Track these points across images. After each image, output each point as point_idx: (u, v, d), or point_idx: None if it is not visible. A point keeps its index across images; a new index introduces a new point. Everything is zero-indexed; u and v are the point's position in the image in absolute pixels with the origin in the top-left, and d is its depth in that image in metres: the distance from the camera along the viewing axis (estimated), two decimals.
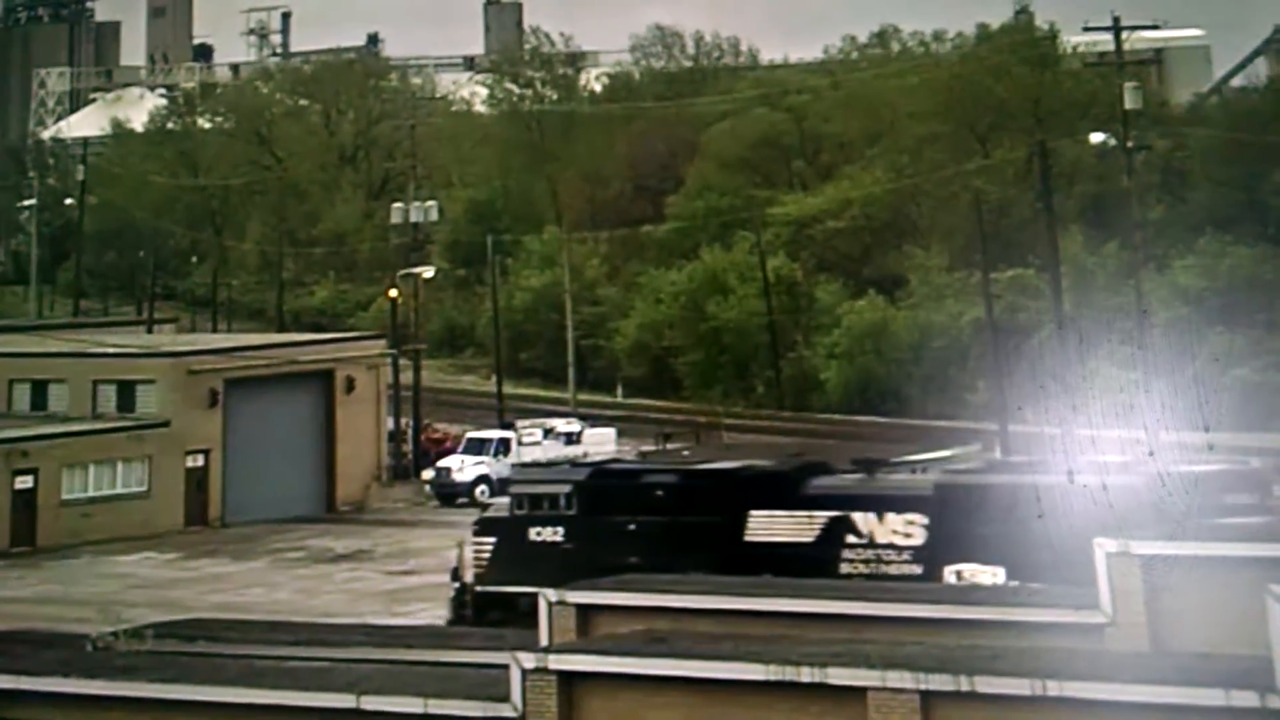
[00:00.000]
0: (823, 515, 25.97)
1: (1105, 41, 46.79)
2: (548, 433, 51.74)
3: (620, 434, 53.23)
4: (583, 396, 64.12)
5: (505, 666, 16.06)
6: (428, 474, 52.86)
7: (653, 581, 20.28)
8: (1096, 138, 48.89)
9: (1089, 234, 58.02)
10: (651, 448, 43.28)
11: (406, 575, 39.05)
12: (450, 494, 50.99)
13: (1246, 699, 13.26)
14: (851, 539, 25.75)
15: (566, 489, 28.12)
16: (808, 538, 26.02)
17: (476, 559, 28.83)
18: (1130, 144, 45.43)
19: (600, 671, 15.92)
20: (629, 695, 15.75)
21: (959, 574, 24.76)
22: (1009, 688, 14.14)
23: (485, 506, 30.37)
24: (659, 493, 27.40)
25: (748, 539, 26.38)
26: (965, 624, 16.90)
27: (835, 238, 67.06)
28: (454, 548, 29.61)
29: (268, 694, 16.94)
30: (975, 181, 55.90)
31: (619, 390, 68.02)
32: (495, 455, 51.13)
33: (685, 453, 32.89)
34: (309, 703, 16.67)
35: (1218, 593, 15.28)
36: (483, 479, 50.77)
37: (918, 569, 24.97)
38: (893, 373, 59.91)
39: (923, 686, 14.33)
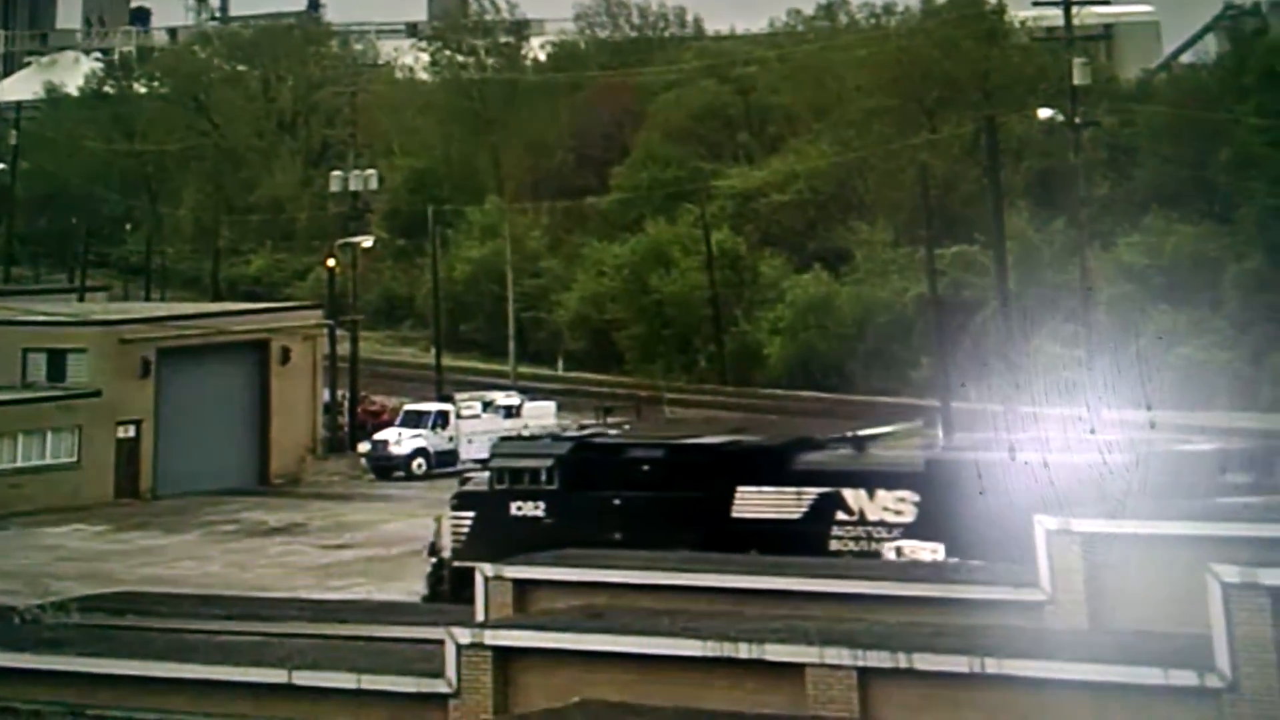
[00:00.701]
0: (812, 491, 25.67)
1: (1054, 16, 46.52)
2: (487, 406, 51.24)
3: (561, 408, 52.82)
4: (523, 369, 63.59)
5: (440, 642, 15.87)
6: (364, 447, 52.28)
7: (591, 556, 19.97)
8: (1044, 113, 48.72)
9: (1035, 210, 57.93)
10: (591, 422, 42.87)
11: (341, 549, 38.73)
12: (387, 467, 50.47)
13: (1185, 677, 13.27)
14: (841, 516, 25.47)
15: (548, 463, 27.65)
16: (796, 514, 25.71)
17: (455, 534, 28.38)
18: (1078, 120, 45.24)
19: (536, 647, 15.77)
20: (566, 671, 15.57)
21: (899, 550, 24.60)
22: (947, 665, 14.11)
23: (465, 480, 29.86)
24: (644, 467, 26.96)
25: (735, 515, 26.01)
26: (905, 601, 16.78)
27: (780, 211, 66.71)
28: (432, 522, 29.18)
29: (198, 669, 16.74)
30: (921, 156, 55.62)
31: (560, 363, 67.52)
32: (433, 428, 50.64)
33: (671, 427, 32.47)
34: (240, 678, 16.50)
35: (1158, 571, 15.16)
36: (420, 452, 50.28)
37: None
38: (836, 348, 59.72)
39: (861, 663, 14.31)
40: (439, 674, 15.69)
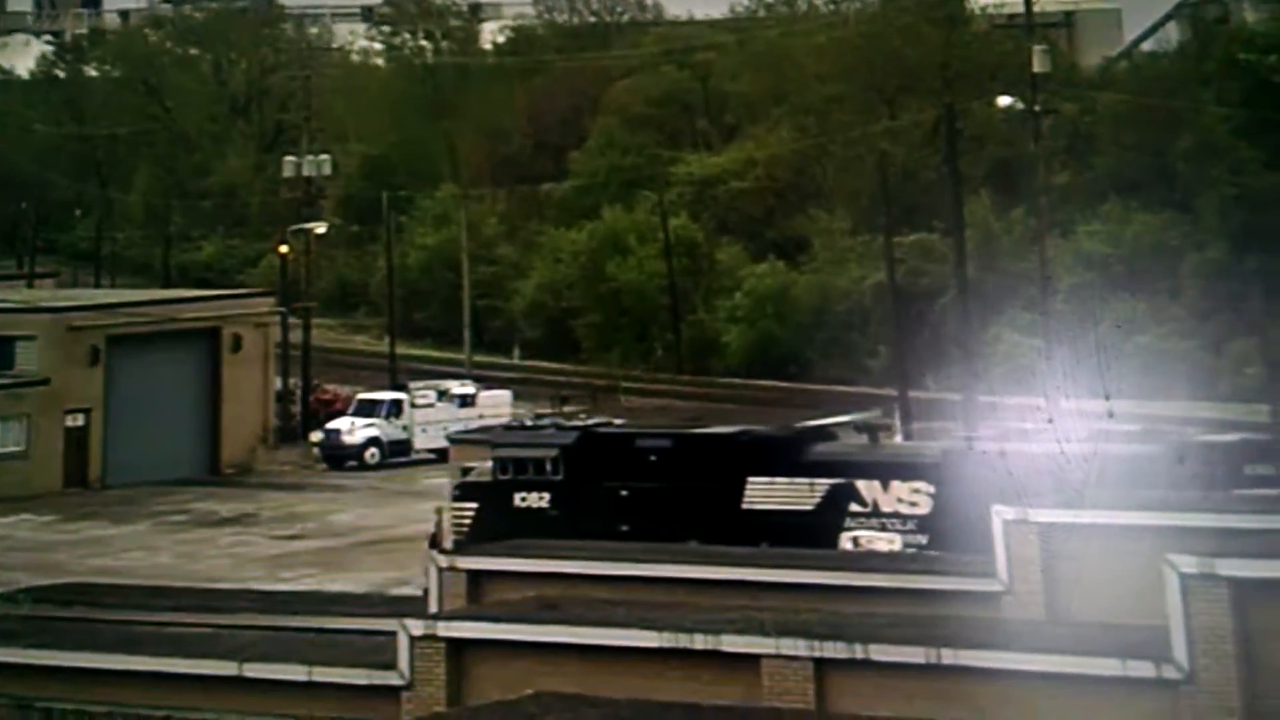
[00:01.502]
0: (825, 482, 25.16)
1: (1015, 3, 46.31)
2: (442, 394, 50.80)
3: (517, 396, 52.40)
4: (478, 358, 63.13)
5: (393, 633, 15.82)
6: (316, 436, 51.78)
7: (546, 547, 19.71)
8: (1004, 101, 48.53)
9: (995, 198, 57.86)
10: (548, 410, 42.44)
11: (292, 540, 38.47)
12: (339, 457, 50.05)
13: (1142, 669, 13.29)
14: (855, 507, 24.96)
15: (553, 452, 27.07)
16: (808, 505, 25.21)
17: (457, 525, 27.72)
18: (1038, 108, 45.10)
19: (490, 638, 15.67)
20: (520, 663, 15.49)
21: (856, 540, 24.28)
22: (903, 656, 14.10)
23: (467, 470, 29.14)
24: (652, 457, 26.41)
25: (745, 506, 25.50)
26: (861, 591, 16.72)
27: (738, 199, 66.45)
28: (434, 513, 28.69)
29: (147, 661, 16.60)
30: (881, 144, 55.39)
31: (516, 352, 67.10)
32: (387, 417, 50.18)
33: (683, 417, 32.07)
34: (190, 670, 16.39)
35: (1116, 561, 15.08)
36: (373, 442, 49.83)
37: (923, 539, 24.20)
38: (793, 337, 59.55)
39: (817, 654, 14.29)
40: (391, 666, 15.65)
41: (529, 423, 29.46)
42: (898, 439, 30.68)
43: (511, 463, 27.34)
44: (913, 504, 24.74)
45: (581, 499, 26.55)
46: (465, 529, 27.49)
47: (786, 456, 25.82)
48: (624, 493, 26.30)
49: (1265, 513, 16.35)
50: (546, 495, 26.88)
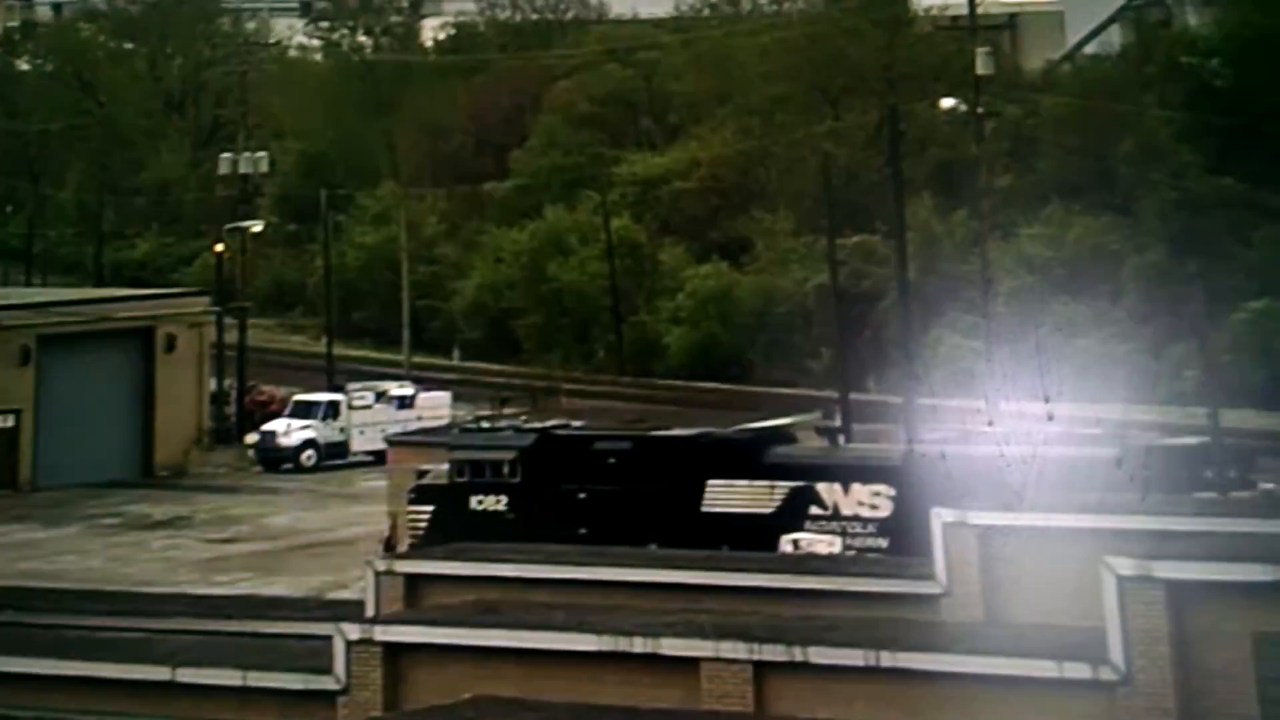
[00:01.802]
0: (785, 485, 25.06)
1: (959, 5, 46.41)
2: (380, 396, 50.36)
3: (457, 398, 52.03)
4: (418, 359, 62.63)
5: (329, 638, 15.77)
6: (251, 438, 51.22)
7: (484, 550, 19.59)
8: (947, 103, 48.66)
9: (938, 200, 58.00)
10: (488, 412, 42.11)
11: (227, 543, 38.20)
12: (275, 459, 49.54)
13: (1078, 670, 13.38)
14: (815, 510, 24.87)
15: (511, 455, 26.87)
16: (768, 509, 25.13)
17: (412, 529, 27.52)
18: (980, 110, 45.24)
19: (428, 642, 15.62)
20: (458, 666, 15.45)
21: (795, 543, 24.22)
22: (842, 658, 14.18)
23: (422, 473, 28.81)
24: (610, 460, 26.28)
25: (705, 509, 25.42)
26: (800, 594, 16.74)
27: (681, 199, 66.27)
28: (387, 516, 28.30)
29: (79, 666, 16.47)
30: (824, 145, 55.39)
31: (455, 353, 66.64)
32: (323, 419, 49.70)
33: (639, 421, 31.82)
34: (122, 675, 16.27)
35: (1054, 564, 15.17)
36: (309, 444, 49.36)
37: (884, 542, 24.00)
38: (736, 338, 59.46)
39: (756, 657, 14.33)
40: (327, 670, 15.60)
41: (485, 424, 29.13)
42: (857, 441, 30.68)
43: (468, 465, 27.11)
44: (873, 507, 24.75)
45: (539, 502, 26.39)
46: (421, 532, 27.22)
47: (746, 459, 25.77)
48: (582, 495, 26.20)
49: (1202, 515, 16.42)
50: (504, 498, 26.72)
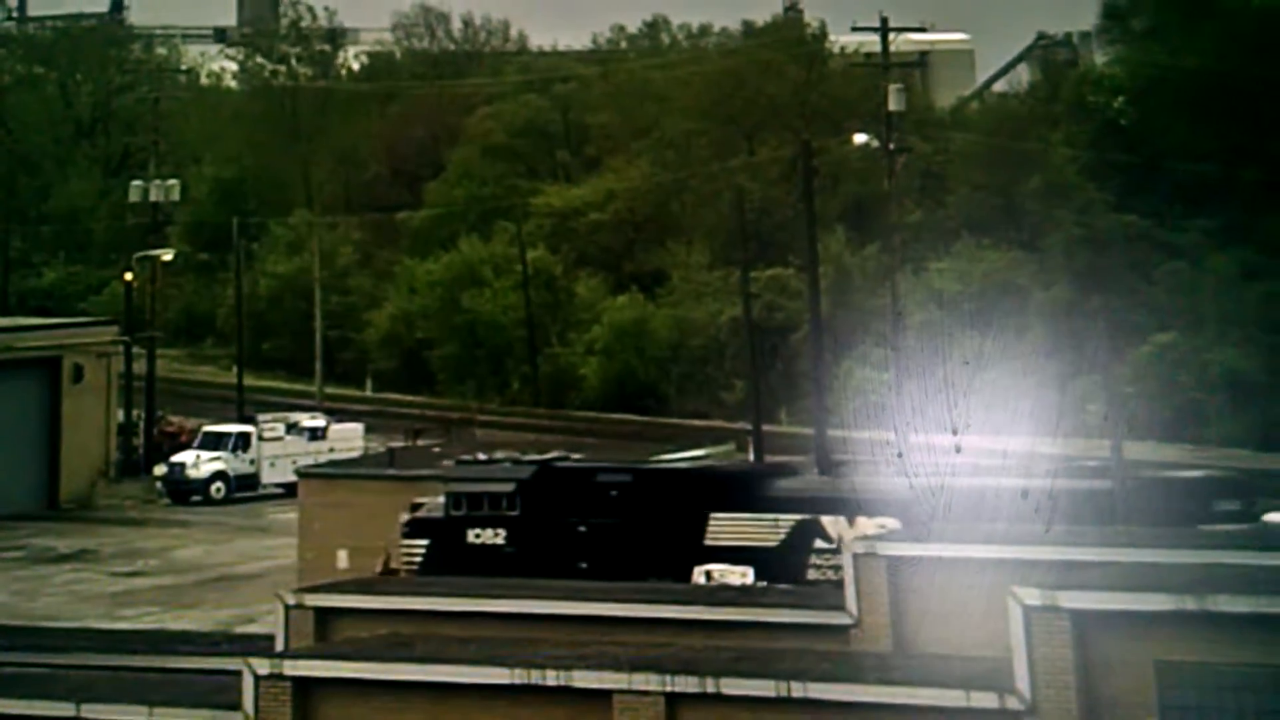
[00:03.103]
0: (789, 519, 24.86)
1: (874, 42, 47.00)
2: (291, 427, 49.79)
3: (369, 429, 51.54)
4: (330, 390, 62.09)
5: (238, 673, 15.65)
6: (160, 470, 50.40)
7: (395, 584, 19.82)
8: (859, 139, 49.12)
9: (851, 235, 58.54)
10: (402, 444, 41.74)
11: (133, 577, 37.53)
12: (184, 491, 48.83)
13: (986, 700, 13.58)
14: (820, 544, 24.65)
15: (509, 488, 26.42)
16: (772, 542, 24.89)
17: (407, 563, 26.88)
18: (892, 146, 45.71)
19: (339, 677, 15.52)
20: (369, 701, 15.37)
21: (708, 574, 24.22)
22: (754, 689, 14.30)
23: (416, 506, 28.25)
24: (612, 492, 25.90)
25: (709, 543, 25.12)
26: (713, 625, 16.90)
27: (597, 231, 66.36)
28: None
29: None
30: (739, 179, 55.77)
31: (369, 384, 66.14)
32: (233, 450, 49.03)
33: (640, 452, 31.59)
34: (25, 711, 16.09)
35: (962, 594, 15.38)
36: (219, 475, 48.66)
37: None
38: (650, 371, 59.52)
39: (668, 689, 14.45)
40: (236, 707, 15.48)
41: (481, 456, 28.74)
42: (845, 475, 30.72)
43: (465, 498, 26.67)
44: None
45: (539, 535, 26.03)
46: (415, 567, 26.73)
47: (750, 492, 25.59)
48: (583, 529, 25.84)
49: (1106, 545, 16.63)
50: (502, 531, 26.31)
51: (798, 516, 25.02)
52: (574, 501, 26.19)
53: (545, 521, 26.19)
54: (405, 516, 27.93)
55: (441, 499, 27.33)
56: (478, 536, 26.43)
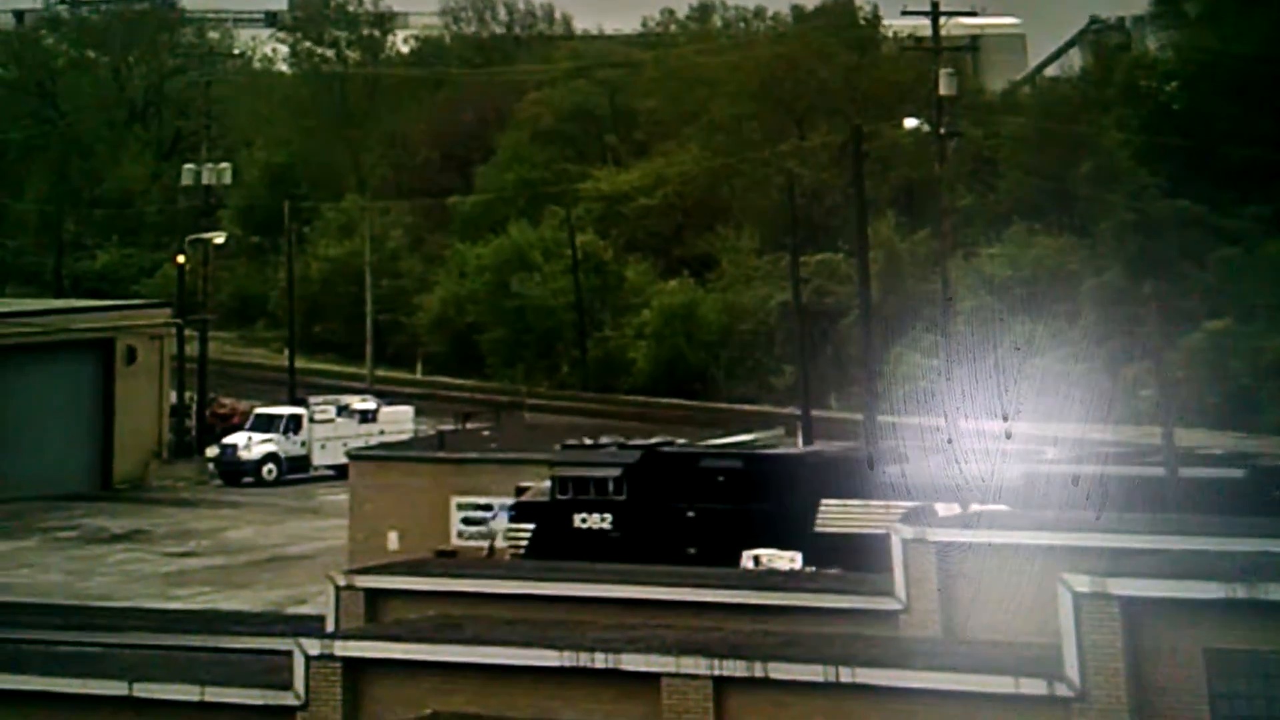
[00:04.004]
0: (901, 505, 24.99)
1: (924, 26, 46.71)
2: (342, 410, 50.14)
3: (419, 412, 51.83)
4: (380, 373, 62.43)
5: (289, 653, 15.71)
6: (212, 451, 50.83)
7: (445, 565, 19.74)
8: (910, 123, 48.86)
9: (901, 220, 58.34)
10: (451, 427, 42.01)
11: (186, 557, 37.68)
12: (235, 472, 49.21)
13: (1035, 686, 13.54)
14: None
15: (616, 472, 26.58)
16: (884, 529, 24.99)
17: (513, 547, 27.21)
18: (942, 131, 45.42)
19: (388, 658, 15.54)
20: (418, 682, 15.41)
21: (756, 559, 24.24)
22: (802, 674, 14.27)
23: (522, 490, 28.48)
24: (720, 478, 25.99)
25: (818, 529, 25.12)
26: (761, 609, 16.87)
27: (647, 216, 66.37)
28: (487, 536, 27.95)
29: (34, 680, 16.33)
30: (789, 164, 55.63)
31: (419, 367, 66.46)
32: (285, 433, 49.40)
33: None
34: (78, 690, 16.11)
35: (1011, 580, 15.32)
36: (270, 457, 49.05)
37: None
38: (699, 355, 59.55)
39: (716, 672, 14.42)
40: (287, 686, 15.50)
41: (588, 441, 28.86)
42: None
43: (571, 482, 26.80)
44: None
45: (646, 520, 26.09)
46: (522, 552, 26.95)
47: (861, 478, 25.44)
48: (690, 514, 25.87)
49: (1156, 533, 16.58)
50: (609, 516, 26.41)
51: (910, 503, 25.12)
52: (681, 487, 26.22)
53: (652, 507, 26.23)
54: (509, 501, 28.07)
55: (547, 483, 27.45)
56: (584, 521, 26.55)
